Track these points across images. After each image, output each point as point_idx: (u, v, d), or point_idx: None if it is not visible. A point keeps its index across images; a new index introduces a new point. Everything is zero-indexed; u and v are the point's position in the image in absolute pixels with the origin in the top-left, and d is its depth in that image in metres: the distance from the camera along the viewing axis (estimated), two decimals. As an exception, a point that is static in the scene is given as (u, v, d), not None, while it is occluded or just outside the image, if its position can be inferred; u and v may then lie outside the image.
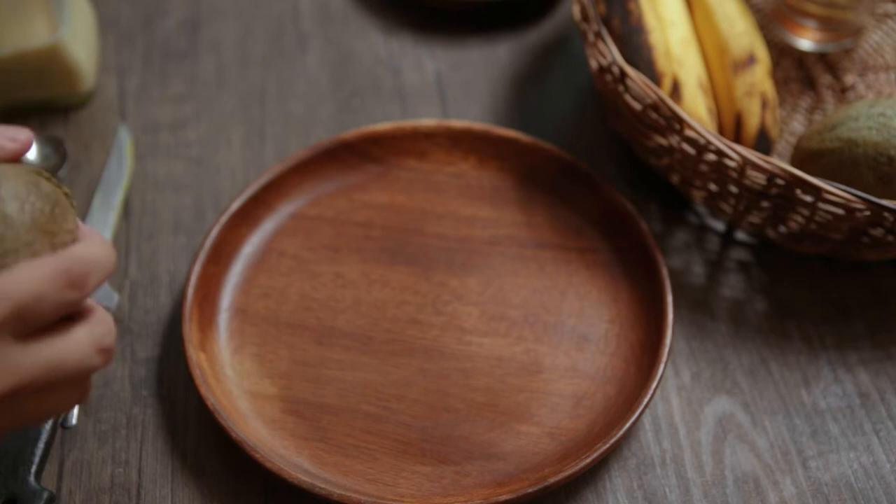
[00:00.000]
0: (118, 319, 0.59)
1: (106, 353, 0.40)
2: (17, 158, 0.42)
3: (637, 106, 0.59)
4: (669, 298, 0.56)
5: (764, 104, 0.62)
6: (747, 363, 0.58)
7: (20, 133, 0.42)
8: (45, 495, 0.51)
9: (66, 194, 0.42)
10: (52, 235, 0.40)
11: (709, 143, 0.55)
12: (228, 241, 0.60)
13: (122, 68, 0.71)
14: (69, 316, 0.40)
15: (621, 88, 0.59)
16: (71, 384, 0.40)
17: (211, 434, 0.54)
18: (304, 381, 0.56)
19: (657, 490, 0.53)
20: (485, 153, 0.65)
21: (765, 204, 0.57)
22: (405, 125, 0.65)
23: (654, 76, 0.61)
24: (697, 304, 0.60)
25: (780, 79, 0.69)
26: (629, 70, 0.57)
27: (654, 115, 0.58)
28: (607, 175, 0.66)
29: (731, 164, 0.55)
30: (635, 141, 0.62)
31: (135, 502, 0.52)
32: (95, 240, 0.41)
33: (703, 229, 0.63)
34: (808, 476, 0.53)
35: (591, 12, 0.61)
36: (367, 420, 0.54)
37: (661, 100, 0.56)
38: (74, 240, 0.41)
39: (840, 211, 0.54)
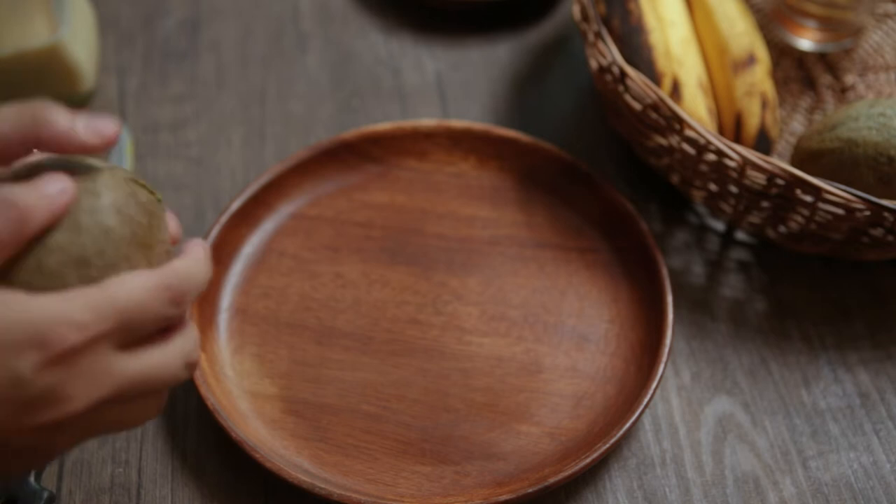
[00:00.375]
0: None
1: (193, 366, 0.40)
2: (100, 152, 0.41)
3: (637, 106, 0.59)
4: (669, 298, 0.56)
5: (764, 104, 0.62)
6: (747, 363, 0.58)
7: (107, 126, 0.40)
8: (45, 495, 0.51)
9: (159, 200, 0.41)
10: (148, 248, 0.39)
11: (709, 143, 0.55)
12: (228, 241, 0.60)
13: (122, 68, 0.71)
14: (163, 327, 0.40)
15: (621, 88, 0.59)
16: (153, 395, 0.40)
17: (211, 434, 0.54)
18: (304, 381, 0.56)
19: (657, 490, 0.53)
20: (485, 153, 0.65)
21: (765, 204, 0.57)
22: (405, 125, 0.65)
23: (654, 76, 0.61)
24: (697, 304, 0.60)
25: (780, 79, 0.69)
26: (629, 70, 0.57)
27: (654, 115, 0.58)
28: (607, 175, 0.66)
29: (731, 164, 0.55)
30: (635, 141, 0.62)
31: (135, 502, 0.52)
32: (198, 256, 0.41)
33: (703, 229, 0.63)
34: (808, 476, 0.53)
35: (591, 12, 0.61)
36: (367, 420, 0.54)
37: (661, 100, 0.56)
38: (168, 251, 0.41)
39: (840, 211, 0.54)
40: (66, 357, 0.35)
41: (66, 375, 0.35)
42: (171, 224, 0.43)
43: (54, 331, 0.35)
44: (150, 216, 0.40)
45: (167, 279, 0.38)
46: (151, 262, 0.39)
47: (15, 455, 0.37)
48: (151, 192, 0.41)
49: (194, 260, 0.40)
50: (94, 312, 0.36)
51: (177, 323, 0.40)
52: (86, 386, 0.36)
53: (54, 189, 0.37)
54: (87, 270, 0.37)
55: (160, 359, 0.39)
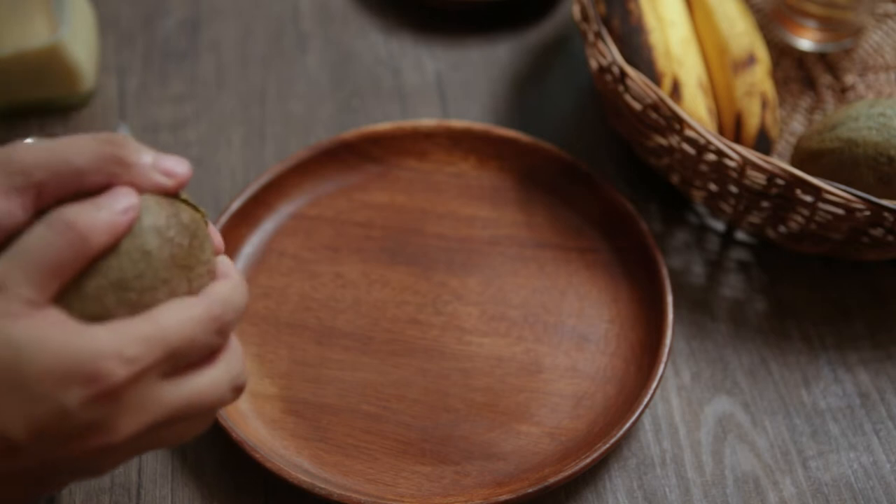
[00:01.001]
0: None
1: (239, 390, 0.40)
2: (171, 194, 0.40)
3: (637, 106, 0.59)
4: (669, 298, 0.56)
5: (764, 104, 0.62)
6: (747, 363, 0.58)
7: (178, 166, 0.39)
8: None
9: (203, 216, 0.41)
10: (189, 270, 0.39)
11: (709, 143, 0.55)
12: (228, 241, 0.60)
13: (122, 68, 0.71)
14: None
15: (621, 88, 0.59)
16: (201, 416, 0.40)
17: (211, 434, 0.54)
18: (304, 381, 0.56)
19: (657, 490, 0.53)
20: (485, 153, 0.65)
21: (765, 204, 0.57)
22: (405, 125, 0.65)
23: (654, 76, 0.61)
24: (697, 304, 0.60)
25: (780, 79, 0.69)
26: (629, 70, 0.57)
27: (654, 115, 0.58)
28: (607, 175, 0.66)
29: (731, 164, 0.55)
30: (635, 141, 0.62)
31: (135, 502, 0.52)
32: (236, 280, 0.40)
33: (703, 229, 0.63)
34: (808, 476, 0.53)
35: (591, 12, 0.61)
36: (367, 420, 0.54)
37: (661, 100, 0.56)
38: (210, 271, 0.40)
39: (840, 211, 0.54)
40: (113, 392, 0.35)
41: (112, 408, 0.35)
42: (215, 238, 0.42)
43: (103, 366, 0.34)
44: (192, 236, 0.39)
45: (214, 309, 0.38)
46: (192, 284, 0.39)
47: (63, 475, 0.38)
48: (196, 209, 0.40)
49: (234, 284, 0.40)
50: (143, 346, 0.35)
51: (222, 346, 0.40)
52: (131, 417, 0.36)
53: (117, 208, 0.37)
54: (126, 294, 0.37)
55: (206, 384, 0.38)
